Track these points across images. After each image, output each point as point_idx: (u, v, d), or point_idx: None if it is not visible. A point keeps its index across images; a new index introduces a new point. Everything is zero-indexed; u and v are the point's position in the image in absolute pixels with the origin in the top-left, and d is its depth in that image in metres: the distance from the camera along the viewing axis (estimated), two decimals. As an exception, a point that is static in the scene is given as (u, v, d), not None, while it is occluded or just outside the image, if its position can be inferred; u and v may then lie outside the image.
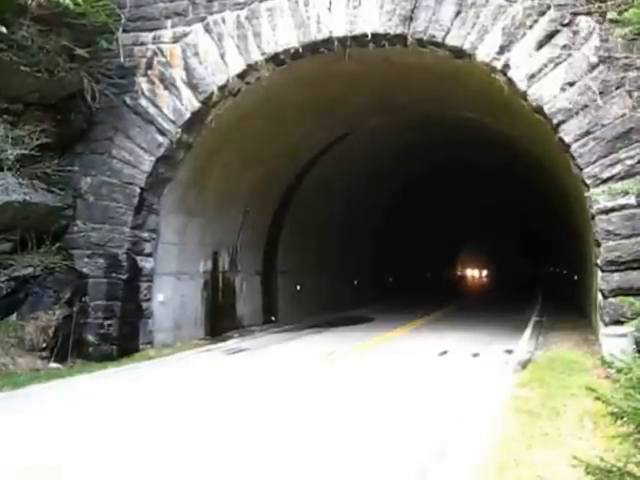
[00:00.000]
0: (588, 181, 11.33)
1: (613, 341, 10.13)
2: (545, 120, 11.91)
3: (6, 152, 12.21)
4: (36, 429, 8.03)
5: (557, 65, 11.65)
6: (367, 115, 18.66)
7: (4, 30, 11.60)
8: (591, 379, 9.80)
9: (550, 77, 11.68)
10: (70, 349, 12.97)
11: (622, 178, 11.01)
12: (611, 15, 8.89)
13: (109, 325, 13.51)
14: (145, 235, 14.28)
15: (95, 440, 7.47)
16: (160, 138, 13.84)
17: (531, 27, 11.84)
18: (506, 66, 12.00)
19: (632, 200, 10.83)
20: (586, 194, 11.47)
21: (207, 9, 13.65)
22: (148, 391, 10.42)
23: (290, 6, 13.09)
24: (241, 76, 13.61)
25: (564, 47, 11.58)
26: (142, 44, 13.98)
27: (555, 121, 11.64)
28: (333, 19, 12.87)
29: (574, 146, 11.47)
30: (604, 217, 11.13)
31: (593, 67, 11.37)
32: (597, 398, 4.25)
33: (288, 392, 10.18)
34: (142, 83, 13.93)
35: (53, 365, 12.47)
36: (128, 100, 13.95)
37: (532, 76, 11.83)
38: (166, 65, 13.84)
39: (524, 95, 11.99)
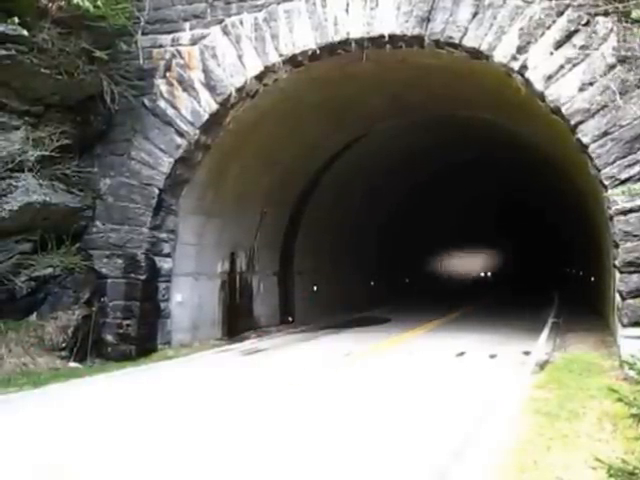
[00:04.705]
0: (606, 182, 11.28)
1: (632, 343, 10.08)
2: (563, 121, 11.88)
3: (27, 154, 12.33)
4: (53, 428, 8.11)
5: (575, 66, 11.61)
6: (384, 116, 18.67)
7: (25, 33, 11.71)
8: (609, 381, 9.77)
9: (568, 78, 11.65)
10: (89, 349, 13.11)
11: (641, 179, 10.98)
12: (635, 14, 8.84)
13: (128, 325, 13.60)
14: (163, 236, 14.38)
15: (111, 440, 7.53)
16: (178, 139, 13.93)
17: (549, 28, 11.80)
18: (523, 67, 11.98)
19: (651, 201, 10.79)
20: (604, 195, 11.44)
21: (225, 11, 13.72)
22: (166, 391, 10.49)
23: (307, 8, 13.14)
24: (259, 78, 13.68)
25: (582, 47, 11.54)
26: (161, 46, 14.09)
27: (573, 122, 11.60)
28: (350, 20, 12.90)
29: (592, 147, 11.43)
30: (622, 218, 11.08)
31: (611, 67, 11.33)
32: (619, 399, 4.26)
33: (308, 393, 10.21)
34: (161, 85, 14.03)
35: (72, 365, 12.59)
36: (147, 102, 14.05)
37: (550, 77, 11.80)
38: (184, 67, 13.93)
39: (541, 96, 11.96)
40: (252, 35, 13.50)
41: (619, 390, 5.62)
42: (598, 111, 11.38)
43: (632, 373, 6.99)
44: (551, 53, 11.76)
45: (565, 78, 11.67)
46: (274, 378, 11.39)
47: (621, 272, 11.11)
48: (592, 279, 25.47)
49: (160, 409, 9.13)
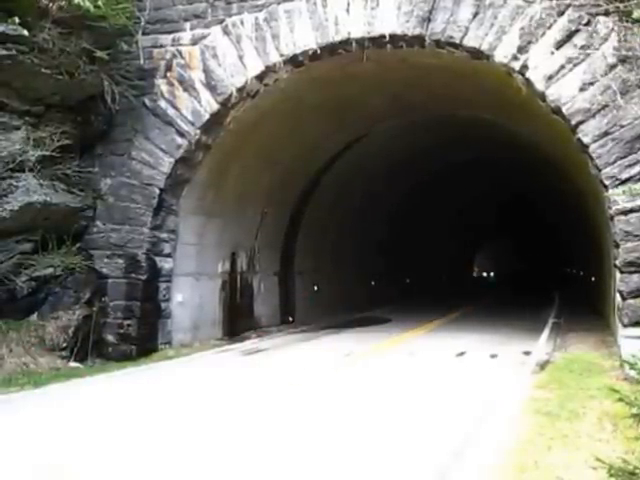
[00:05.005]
0: (607, 182, 11.28)
1: (632, 342, 10.09)
2: (563, 121, 11.87)
3: (27, 154, 12.32)
4: (53, 428, 8.12)
5: (576, 65, 11.60)
6: (384, 116, 18.67)
7: (26, 33, 11.71)
8: (610, 381, 9.78)
9: (569, 78, 11.64)
10: (90, 349, 13.10)
11: (641, 179, 10.98)
12: (636, 14, 8.86)
13: (128, 325, 13.61)
14: (164, 236, 14.38)
15: (111, 440, 7.54)
16: (179, 139, 13.93)
17: (550, 27, 11.80)
18: (524, 67, 11.98)
19: (652, 201, 10.79)
20: (605, 195, 11.44)
21: (226, 11, 13.72)
22: (167, 391, 10.50)
23: (308, 8, 13.14)
24: (259, 78, 13.68)
25: (583, 47, 11.53)
26: (161, 46, 14.08)
27: (573, 122, 11.60)
28: (351, 20, 12.90)
29: (593, 147, 11.43)
30: (623, 218, 11.08)
31: (612, 67, 11.32)
32: (619, 399, 4.26)
33: (309, 393, 10.21)
34: (161, 85, 14.03)
35: (73, 364, 12.60)
36: (147, 102, 14.05)
37: (550, 77, 11.79)
38: (185, 67, 13.93)
39: (542, 96, 11.96)
40: (253, 35, 13.50)
41: (619, 390, 5.63)
42: (599, 111, 11.37)
43: (633, 373, 7.00)
44: (552, 53, 11.75)
45: (566, 78, 11.67)
46: (274, 378, 11.39)
47: (622, 272, 11.11)
48: (593, 279, 25.48)
49: (160, 409, 9.13)
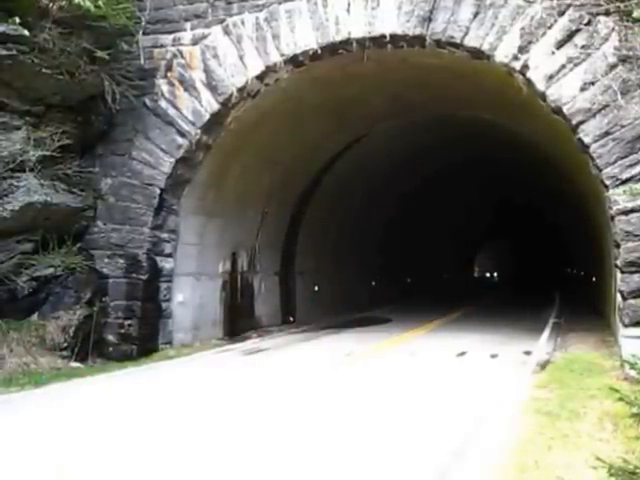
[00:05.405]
0: (607, 182, 11.28)
1: (633, 342, 10.09)
2: (564, 121, 11.86)
3: (28, 153, 12.32)
4: (53, 428, 8.11)
5: (576, 65, 11.59)
6: (385, 116, 18.67)
7: (26, 33, 11.71)
8: (610, 381, 9.78)
9: (569, 77, 11.63)
10: (90, 348, 13.09)
11: (642, 179, 10.97)
12: (637, 14, 8.88)
13: (129, 325, 13.61)
14: (165, 236, 14.39)
15: (111, 440, 7.53)
16: (180, 139, 13.94)
17: (550, 27, 11.79)
18: (525, 67, 11.97)
19: (652, 201, 10.78)
20: (605, 195, 11.44)
21: (226, 11, 13.72)
22: (167, 391, 10.49)
23: (309, 7, 13.14)
24: (260, 78, 13.68)
25: (583, 47, 11.53)
26: (162, 46, 14.08)
27: (574, 122, 11.59)
28: (352, 20, 12.90)
29: (593, 147, 11.42)
30: (624, 218, 11.06)
31: (613, 67, 11.31)
32: (620, 399, 4.26)
33: (309, 393, 10.20)
34: (162, 85, 14.03)
35: (74, 364, 12.58)
36: (148, 102, 14.06)
37: (551, 77, 11.78)
38: (185, 67, 13.93)
39: (543, 96, 11.95)
40: (253, 35, 13.50)
41: (620, 390, 5.63)
42: (599, 111, 11.36)
43: (633, 373, 7.00)
44: (552, 53, 11.74)
45: (566, 78, 11.66)
46: (275, 378, 11.39)
47: (622, 272, 11.10)
48: (593, 279, 25.47)
49: (160, 409, 9.13)
